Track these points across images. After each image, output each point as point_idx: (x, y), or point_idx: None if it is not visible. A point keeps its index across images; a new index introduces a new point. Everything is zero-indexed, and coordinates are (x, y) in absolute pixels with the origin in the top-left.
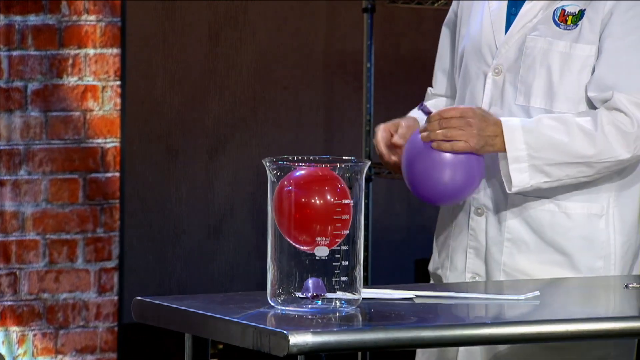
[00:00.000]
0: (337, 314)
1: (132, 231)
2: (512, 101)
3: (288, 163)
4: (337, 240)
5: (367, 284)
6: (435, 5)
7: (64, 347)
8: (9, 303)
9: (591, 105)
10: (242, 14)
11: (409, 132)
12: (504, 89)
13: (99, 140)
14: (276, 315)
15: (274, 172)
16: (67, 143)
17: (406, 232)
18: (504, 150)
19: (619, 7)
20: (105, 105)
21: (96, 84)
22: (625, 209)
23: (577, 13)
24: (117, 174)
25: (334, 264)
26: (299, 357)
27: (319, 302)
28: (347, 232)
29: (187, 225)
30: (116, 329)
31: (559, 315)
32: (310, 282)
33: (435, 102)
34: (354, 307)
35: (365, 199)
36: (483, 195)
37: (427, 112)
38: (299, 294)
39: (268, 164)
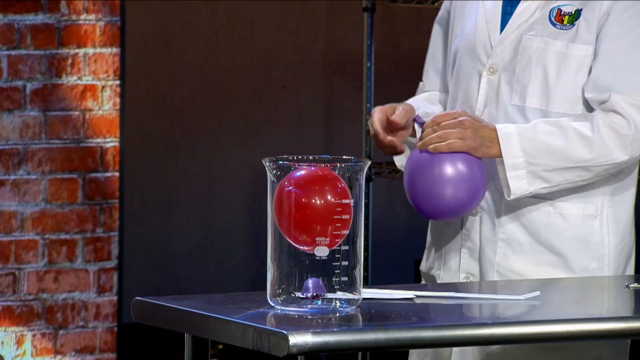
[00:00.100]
0: (337, 314)
1: (132, 231)
2: (508, 101)
3: (288, 163)
4: (337, 240)
5: (367, 284)
6: (436, 4)
7: (63, 347)
8: (8, 303)
9: (587, 105)
10: (242, 13)
11: (406, 115)
12: (500, 89)
13: (99, 140)
14: (276, 315)
15: (274, 172)
16: (67, 143)
17: (406, 232)
18: (501, 156)
19: (615, 7)
20: (105, 104)
21: (95, 84)
22: (620, 210)
23: (573, 13)
24: (117, 174)
25: (334, 264)
26: (299, 357)
27: (319, 302)
28: (347, 232)
29: (186, 225)
30: (115, 329)
31: (559, 315)
32: (310, 282)
33: (429, 95)
34: (354, 307)
35: (365, 199)
36: None
37: (421, 123)
38: (299, 294)
39: (268, 164)
